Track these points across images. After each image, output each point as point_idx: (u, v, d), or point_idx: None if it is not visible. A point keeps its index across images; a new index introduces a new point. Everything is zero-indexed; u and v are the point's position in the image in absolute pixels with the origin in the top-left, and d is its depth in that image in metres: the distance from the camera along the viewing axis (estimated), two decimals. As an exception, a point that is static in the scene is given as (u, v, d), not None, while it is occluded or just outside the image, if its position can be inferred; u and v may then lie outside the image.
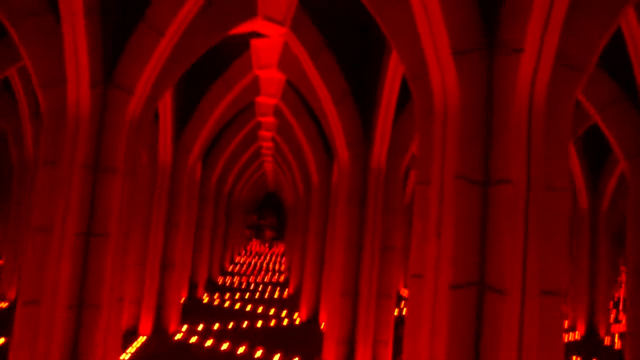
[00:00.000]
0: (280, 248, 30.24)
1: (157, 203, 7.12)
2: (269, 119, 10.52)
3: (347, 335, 5.83)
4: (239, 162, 14.06)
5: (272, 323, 8.75)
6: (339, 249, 5.93)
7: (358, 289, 5.87)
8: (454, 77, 2.58)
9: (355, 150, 5.96)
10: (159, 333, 7.12)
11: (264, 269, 18.13)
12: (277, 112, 10.14)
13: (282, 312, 9.81)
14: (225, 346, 6.86)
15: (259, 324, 8.57)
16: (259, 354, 6.58)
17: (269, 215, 34.36)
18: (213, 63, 7.40)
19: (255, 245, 31.03)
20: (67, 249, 3.70)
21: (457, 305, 2.39)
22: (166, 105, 6.88)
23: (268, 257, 23.21)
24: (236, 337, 7.46)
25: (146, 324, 7.07)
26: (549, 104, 2.43)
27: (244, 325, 8.34)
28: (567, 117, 2.48)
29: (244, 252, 24.66)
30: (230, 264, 18.02)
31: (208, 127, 7.55)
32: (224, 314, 9.27)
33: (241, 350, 6.73)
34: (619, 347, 9.16)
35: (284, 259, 22.39)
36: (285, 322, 8.96)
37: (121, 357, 5.97)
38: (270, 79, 8.49)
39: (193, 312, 8.93)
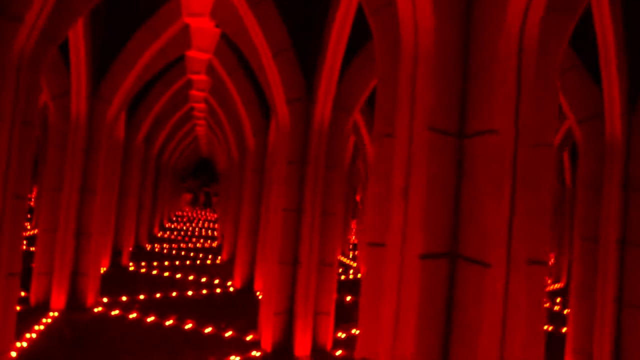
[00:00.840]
0: (213, 214, 29.40)
1: (70, 161, 6.28)
2: (201, 77, 9.71)
3: (285, 306, 5.44)
4: (169, 123, 13.11)
5: (204, 292, 8.23)
6: (276, 213, 5.47)
7: (297, 256, 5.46)
8: (428, 6, 2.13)
9: (295, 108, 5.45)
10: (74, 307, 6.40)
11: (195, 235, 17.40)
12: (210, 70, 9.36)
13: (214, 280, 9.30)
14: (151, 319, 6.28)
15: (190, 293, 8.02)
16: (189, 326, 6.07)
17: (202, 180, 33.38)
18: (138, 7, 6.53)
19: (187, 210, 29.98)
20: None
21: (428, 278, 2.02)
22: (79, 50, 5.98)
23: (200, 223, 22.40)
24: (164, 308, 6.89)
25: (59, 297, 6.32)
26: (541, 45, 2.05)
27: (173, 295, 7.76)
28: (557, 63, 2.11)
29: (174, 217, 23.66)
30: (160, 230, 17.14)
31: (131, 79, 6.71)
32: (151, 284, 8.61)
33: (169, 322, 6.18)
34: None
35: (217, 225, 21.70)
36: (218, 290, 8.46)
37: (27, 336, 5.26)
38: (202, 30, 7.69)
39: (116, 282, 8.21)
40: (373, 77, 5.67)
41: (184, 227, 19.76)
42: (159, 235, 16.10)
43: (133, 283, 8.48)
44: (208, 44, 7.84)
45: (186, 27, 7.50)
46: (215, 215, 27.68)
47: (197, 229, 19.51)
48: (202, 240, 15.74)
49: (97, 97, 6.54)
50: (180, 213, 27.04)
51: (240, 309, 7.30)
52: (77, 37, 5.91)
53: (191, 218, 24.99)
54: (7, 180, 3.35)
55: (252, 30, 5.21)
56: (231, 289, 8.67)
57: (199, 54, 7.97)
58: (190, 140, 19.81)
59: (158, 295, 7.66)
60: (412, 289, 2.01)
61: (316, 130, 5.35)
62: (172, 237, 16.06)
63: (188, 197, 32.73)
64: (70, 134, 6.30)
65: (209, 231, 19.28)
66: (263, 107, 8.65)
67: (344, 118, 5.54)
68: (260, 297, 8.15)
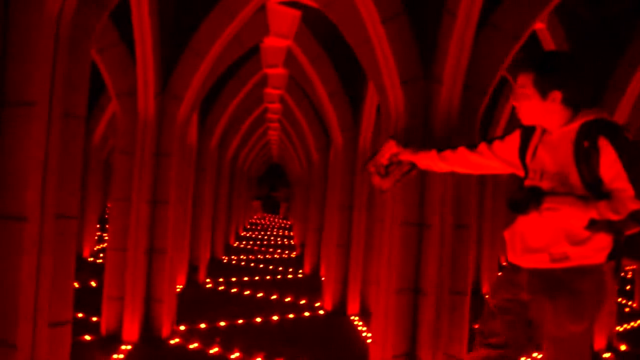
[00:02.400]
0: (285, 221, 28.75)
1: (139, 168, 5.39)
2: (278, 71, 8.71)
3: (405, 348, 4.17)
4: (243, 125, 12.30)
5: (291, 316, 7.15)
6: (392, 226, 4.22)
7: (420, 282, 4.19)
8: None
9: (413, 89, 4.20)
10: (149, 339, 5.49)
11: (272, 244, 16.57)
12: (289, 61, 8.31)
13: (300, 299, 8.22)
14: (235, 355, 5.24)
15: (275, 317, 6.96)
16: (280, 368, 4.97)
17: (279, 186, 32.91)
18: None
19: (262, 218, 29.52)
20: None
21: None
22: (145, 37, 5.07)
23: (276, 232, 21.66)
24: (249, 339, 5.85)
25: (131, 327, 5.44)
26: None
27: (258, 321, 6.74)
28: None
29: (248, 225, 23.12)
30: (236, 240, 16.45)
31: (203, 71, 5.74)
32: (231, 305, 7.68)
33: (257, 361, 5.12)
34: None
35: (292, 232, 20.86)
36: (306, 314, 7.36)
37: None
38: (280, 12, 6.67)
39: (193, 303, 7.32)
40: (509, 50, 4.32)
41: (259, 236, 19.05)
42: (235, 245, 15.39)
43: (212, 305, 7.56)
44: (287, 28, 6.79)
45: (262, 10, 6.50)
46: (289, 222, 26.97)
47: (272, 238, 18.73)
48: (279, 251, 14.83)
49: (167, 94, 5.62)
50: (253, 220, 26.55)
51: (336, 341, 6.13)
52: (143, 22, 5.01)
53: (265, 226, 24.37)
54: (46, 194, 2.35)
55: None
56: (321, 312, 7.54)
57: (278, 41, 6.94)
58: (262, 144, 19.11)
59: (241, 321, 6.65)
60: None
61: (443, 115, 4.05)
62: (249, 247, 15.28)
63: (257, 204, 32.31)
64: (138, 137, 5.42)
65: (285, 240, 18.42)
66: (350, 99, 7.46)
67: (476, 101, 4.22)
68: (355, 322, 7.00)
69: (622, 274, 8.16)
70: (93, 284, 7.41)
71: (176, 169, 5.66)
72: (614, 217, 2.24)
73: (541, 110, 2.47)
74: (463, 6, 3.77)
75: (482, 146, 2.97)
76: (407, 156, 3.33)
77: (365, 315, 7.40)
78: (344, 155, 7.53)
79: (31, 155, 2.27)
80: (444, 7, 4.00)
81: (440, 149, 3.22)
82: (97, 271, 7.79)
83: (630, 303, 9.34)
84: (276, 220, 29.05)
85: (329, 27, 7.25)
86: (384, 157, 3.37)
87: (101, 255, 11.41)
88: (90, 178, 11.07)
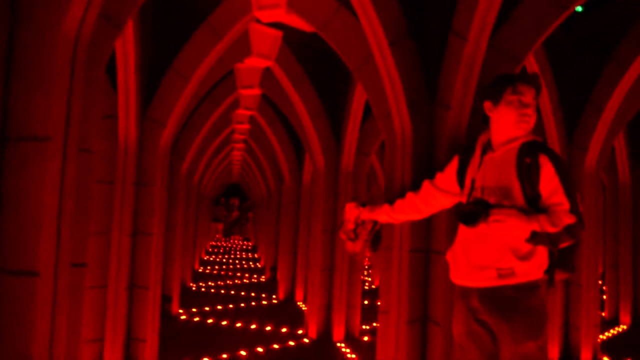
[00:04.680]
0: (246, 242, 28.18)
1: (119, 200, 5.01)
2: (252, 92, 8.49)
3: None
4: (210, 148, 11.92)
5: (276, 346, 6.84)
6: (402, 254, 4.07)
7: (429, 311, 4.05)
8: None
9: (420, 114, 4.11)
10: (132, 383, 5.06)
11: (238, 268, 16.09)
12: (264, 81, 8.13)
13: (280, 327, 7.92)
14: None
15: (260, 349, 6.64)
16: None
17: (240, 206, 32.28)
18: (195, 2, 5.33)
19: (223, 240, 28.78)
20: None
21: None
22: (128, 58, 4.76)
23: (239, 254, 21.10)
24: (239, 377, 5.51)
25: (112, 372, 5.00)
26: None
27: (243, 354, 6.39)
28: None
29: (210, 249, 22.42)
30: (200, 265, 15.85)
31: (188, 94, 5.46)
32: (211, 338, 7.27)
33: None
34: None
35: (257, 255, 20.41)
36: (291, 343, 7.07)
37: None
38: (262, 33, 6.49)
39: (171, 338, 6.86)
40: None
41: (223, 260, 18.48)
42: (200, 270, 14.81)
43: (191, 339, 7.13)
44: (269, 48, 6.61)
45: (246, 31, 6.30)
46: (250, 244, 26.43)
47: (237, 261, 18.21)
48: (247, 275, 14.39)
49: (148, 118, 5.30)
50: (213, 243, 25.82)
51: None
52: (126, 45, 4.70)
53: (227, 248, 23.72)
54: (61, 244, 2.04)
55: (363, 16, 3.88)
56: (306, 340, 7.26)
57: (260, 62, 6.74)
58: (225, 165, 18.68)
59: (225, 356, 6.27)
60: None
61: (451, 141, 3.96)
62: (215, 272, 14.74)
63: (219, 226, 31.62)
64: (119, 165, 5.05)
65: (250, 263, 17.95)
66: (331, 121, 7.33)
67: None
68: (342, 349, 6.75)
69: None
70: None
71: (159, 199, 5.31)
72: (552, 229, 2.36)
73: None
74: (474, 30, 3.73)
75: (425, 184, 3.09)
76: (367, 215, 3.34)
77: (350, 341, 7.21)
78: (325, 177, 7.35)
79: (44, 200, 1.96)
80: (450, 30, 3.96)
81: (392, 201, 3.27)
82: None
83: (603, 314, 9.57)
84: (236, 242, 28.40)
85: (309, 49, 7.18)
86: (350, 222, 3.37)
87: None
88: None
